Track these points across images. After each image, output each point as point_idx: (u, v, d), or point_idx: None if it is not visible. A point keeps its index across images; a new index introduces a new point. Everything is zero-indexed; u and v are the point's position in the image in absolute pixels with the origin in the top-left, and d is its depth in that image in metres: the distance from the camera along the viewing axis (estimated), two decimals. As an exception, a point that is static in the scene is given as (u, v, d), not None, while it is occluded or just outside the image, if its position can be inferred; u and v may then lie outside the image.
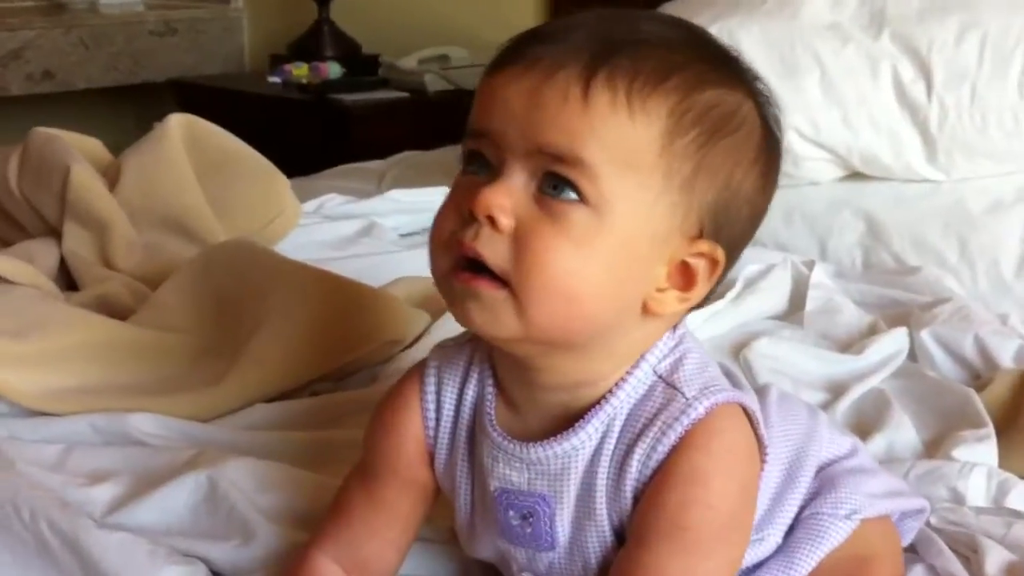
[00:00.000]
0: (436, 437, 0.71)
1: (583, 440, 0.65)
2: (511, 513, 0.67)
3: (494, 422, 0.67)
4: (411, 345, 1.10)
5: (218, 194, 1.34)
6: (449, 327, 1.14)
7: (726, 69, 0.65)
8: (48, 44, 2.96)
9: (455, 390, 0.70)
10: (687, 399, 0.64)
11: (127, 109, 3.39)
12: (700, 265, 0.64)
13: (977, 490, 0.88)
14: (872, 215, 1.42)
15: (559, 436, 0.65)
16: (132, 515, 0.83)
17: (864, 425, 1.02)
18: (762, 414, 0.69)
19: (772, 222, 1.45)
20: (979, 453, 0.94)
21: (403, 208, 1.60)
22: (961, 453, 0.94)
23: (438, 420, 0.71)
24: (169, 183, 1.32)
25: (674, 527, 0.62)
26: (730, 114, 0.64)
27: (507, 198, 0.60)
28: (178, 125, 1.36)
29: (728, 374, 0.70)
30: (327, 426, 0.98)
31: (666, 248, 0.63)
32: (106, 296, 1.17)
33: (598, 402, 0.65)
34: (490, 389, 0.68)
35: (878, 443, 0.97)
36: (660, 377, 0.65)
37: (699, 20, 1.05)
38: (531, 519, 0.66)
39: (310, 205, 1.55)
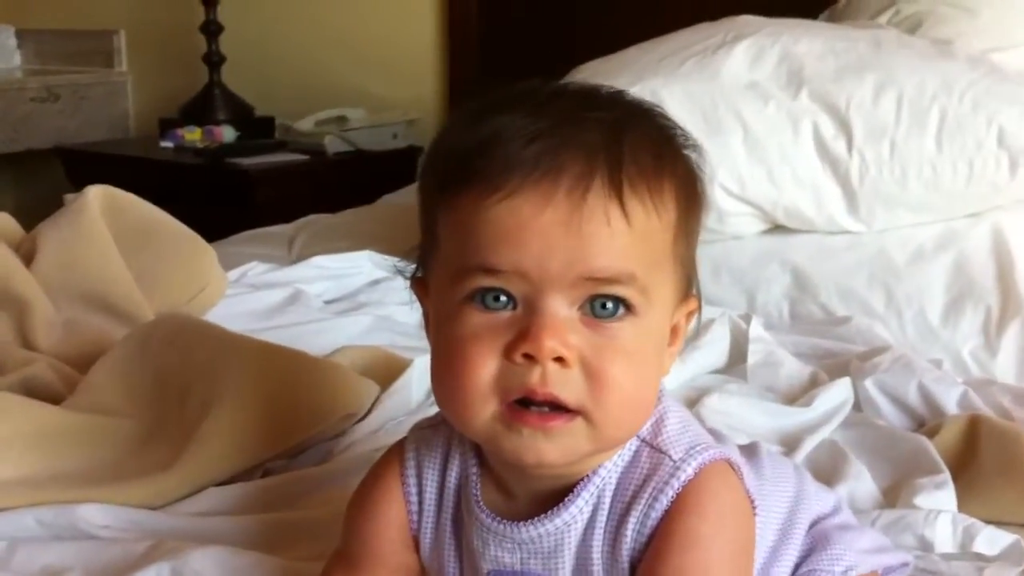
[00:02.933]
0: (420, 522, 0.70)
1: (574, 515, 0.64)
2: None
3: (481, 503, 0.66)
4: (363, 418, 1.07)
5: (142, 267, 1.29)
6: (397, 399, 1.12)
7: (679, 132, 0.65)
8: (-81, 114, 2.84)
9: (436, 474, 0.69)
10: (674, 461, 0.63)
11: (8, 177, 3.29)
12: (682, 319, 0.66)
13: (944, 537, 0.89)
14: (798, 267, 1.44)
15: (550, 513, 0.64)
16: (94, 615, 0.78)
17: (821, 477, 1.02)
18: (757, 469, 0.70)
19: (700, 277, 1.47)
20: (939, 500, 0.96)
21: (328, 275, 1.58)
22: (923, 501, 0.95)
23: (421, 505, 0.69)
24: (90, 257, 1.27)
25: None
26: (699, 179, 0.65)
27: (568, 335, 0.58)
28: (97, 196, 1.31)
29: (712, 431, 0.70)
30: (284, 507, 0.94)
31: (672, 319, 0.64)
32: (32, 379, 1.11)
33: (586, 475, 0.64)
34: (474, 470, 0.67)
35: (839, 493, 0.98)
36: (644, 441, 0.65)
37: (620, 81, 1.05)
38: None
39: (233, 274, 1.51)
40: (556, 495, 0.64)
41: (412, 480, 0.69)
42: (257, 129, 2.88)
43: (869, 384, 1.15)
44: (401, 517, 0.70)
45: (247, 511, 0.93)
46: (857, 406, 1.17)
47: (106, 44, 3.33)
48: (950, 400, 1.13)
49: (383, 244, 1.81)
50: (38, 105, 3.09)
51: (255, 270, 1.54)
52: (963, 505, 0.97)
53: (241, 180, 2.55)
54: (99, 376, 1.07)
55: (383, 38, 2.80)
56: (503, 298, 0.59)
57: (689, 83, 1.45)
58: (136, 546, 0.86)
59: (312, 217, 2.24)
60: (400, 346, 1.30)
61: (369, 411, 1.08)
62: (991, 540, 0.90)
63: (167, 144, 2.75)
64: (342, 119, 2.76)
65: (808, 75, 1.45)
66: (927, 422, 1.14)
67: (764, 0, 1.98)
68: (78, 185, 2.78)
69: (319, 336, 1.37)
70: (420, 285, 0.66)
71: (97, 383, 1.06)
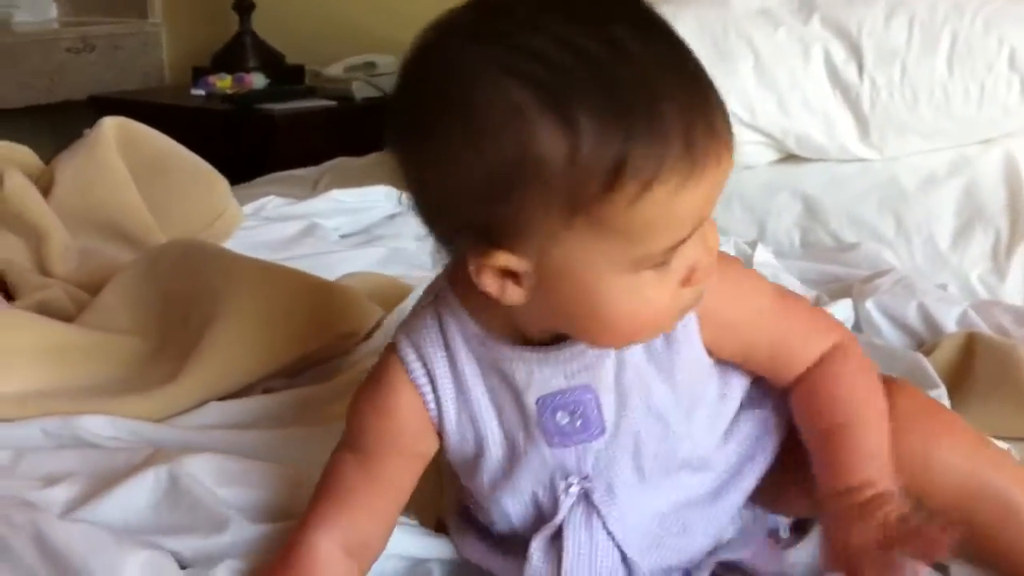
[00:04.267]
0: (440, 408, 0.72)
1: None
2: (559, 415, 0.70)
3: (514, 346, 0.69)
4: (365, 339, 1.09)
5: (156, 197, 1.32)
6: (399, 320, 1.14)
7: None
8: (-42, 64, 2.89)
9: (442, 355, 0.71)
10: None
11: (45, 128, 3.32)
12: None
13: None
14: (808, 196, 1.44)
15: None
16: (92, 514, 0.81)
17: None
18: None
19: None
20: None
21: (344, 208, 1.60)
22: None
23: (436, 391, 0.71)
24: (105, 187, 1.30)
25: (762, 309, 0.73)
26: None
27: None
28: (112, 128, 1.33)
29: None
30: (282, 424, 0.96)
31: None
32: (46, 303, 1.14)
33: None
34: (476, 328, 0.70)
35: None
36: None
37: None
38: (580, 411, 0.70)
39: (249, 208, 1.53)
40: None
41: (420, 372, 0.71)
42: (288, 76, 2.90)
43: (869, 305, 1.15)
44: (417, 409, 0.72)
45: (247, 425, 0.96)
46: (858, 327, 1.17)
47: (139, -6, 3.35)
48: (949, 319, 1.13)
49: (402, 185, 1.83)
50: (74, 56, 3.13)
51: (272, 203, 1.56)
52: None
53: (268, 126, 2.57)
54: (109, 297, 1.10)
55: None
56: None
57: (700, 8, 1.44)
58: (137, 454, 0.89)
59: (338, 160, 2.26)
60: (414, 277, 1.32)
61: (371, 333, 1.10)
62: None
63: (198, 92, 2.78)
64: (370, 65, 2.77)
65: (819, 0, 1.43)
66: (927, 342, 1.14)
67: None
68: (112, 133, 2.82)
69: (333, 267, 1.39)
70: (483, 260, 0.63)
71: (107, 303, 1.09)
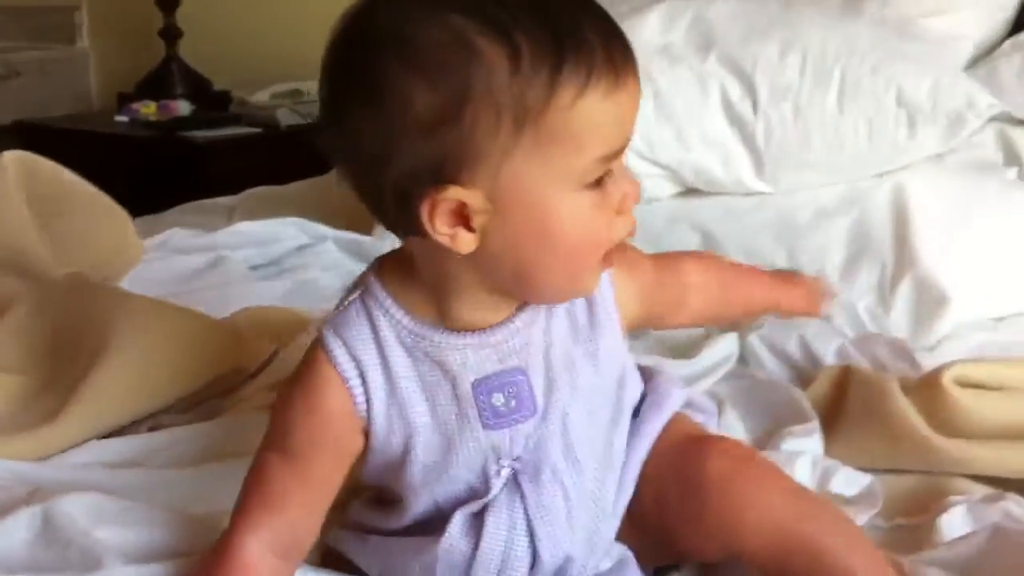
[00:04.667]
0: (369, 402, 0.73)
1: (532, 313, 0.75)
2: (494, 396, 0.73)
3: (449, 332, 0.73)
4: (255, 375, 1.10)
5: (56, 232, 1.32)
6: (294, 356, 1.15)
7: None
8: None
9: (372, 347, 0.73)
10: None
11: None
12: None
13: (803, 477, 0.92)
14: (706, 229, 1.47)
15: (513, 314, 0.74)
16: (-35, 553, 0.81)
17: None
18: None
19: (615, 240, 1.50)
20: (806, 445, 0.99)
21: (252, 241, 1.60)
22: (789, 446, 0.98)
23: (365, 384, 0.73)
24: (2, 222, 1.29)
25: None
26: None
27: None
28: (12, 163, 1.33)
29: None
30: (164, 461, 0.97)
31: None
32: (-64, 338, 1.14)
33: None
34: (408, 320, 0.73)
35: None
36: None
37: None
38: (513, 392, 0.74)
39: (155, 240, 1.54)
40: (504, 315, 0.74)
41: (349, 366, 0.73)
42: (214, 103, 2.90)
43: (753, 338, 1.18)
44: (345, 406, 0.73)
45: (128, 463, 0.96)
46: (744, 360, 1.20)
47: (67, 20, 3.34)
48: (828, 352, 1.16)
49: (323, 214, 1.84)
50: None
51: (178, 236, 1.56)
52: (830, 451, 1.00)
53: (192, 153, 2.58)
54: (-2, 334, 1.10)
55: (339, 12, 2.82)
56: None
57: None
58: (14, 493, 0.89)
59: (257, 189, 2.27)
60: (318, 309, 1.33)
61: (262, 368, 1.11)
62: (848, 481, 0.93)
63: (122, 118, 2.77)
64: (296, 92, 2.78)
65: (718, 37, 1.47)
66: (808, 374, 1.17)
67: None
68: (35, 160, 2.79)
69: (237, 300, 1.40)
70: (436, 198, 0.67)
71: (-4, 342, 1.09)
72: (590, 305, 0.77)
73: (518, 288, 0.72)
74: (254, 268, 1.58)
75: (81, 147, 2.75)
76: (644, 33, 1.50)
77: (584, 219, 0.68)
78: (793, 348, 1.17)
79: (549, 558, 0.76)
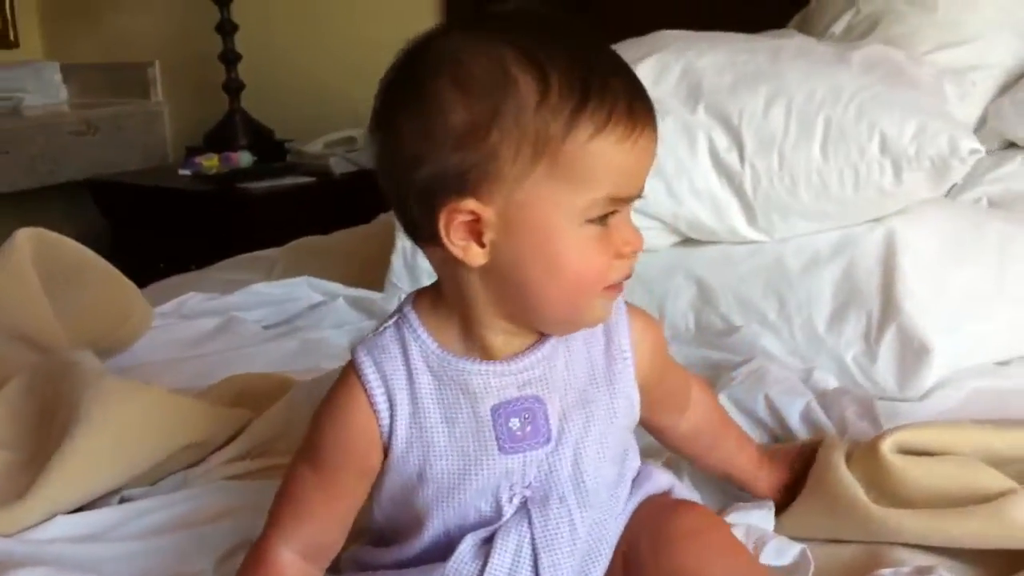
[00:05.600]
0: (392, 422, 0.79)
1: (554, 345, 0.81)
2: (512, 421, 0.79)
3: (471, 360, 0.79)
4: (226, 444, 1.15)
5: (66, 304, 1.39)
6: (267, 424, 1.19)
7: None
8: (-35, 152, 3.02)
9: (402, 370, 0.79)
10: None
11: (59, 207, 3.45)
12: None
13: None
14: (701, 278, 1.47)
15: (534, 345, 0.81)
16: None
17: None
18: None
19: (616, 290, 1.51)
20: (753, 518, 0.99)
21: (267, 301, 1.65)
22: (734, 518, 0.98)
23: (392, 406, 0.79)
24: (15, 297, 1.37)
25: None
26: None
27: None
28: (26, 240, 1.41)
29: None
30: (128, 534, 1.02)
31: None
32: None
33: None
34: (436, 347, 0.79)
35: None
36: None
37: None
38: (529, 418, 0.79)
39: (169, 306, 1.60)
40: (527, 344, 0.81)
41: (377, 385, 0.79)
42: (275, 153, 3.00)
43: (722, 398, 1.18)
44: (370, 425, 0.79)
45: (92, 537, 1.01)
46: (716, 418, 1.20)
47: (142, 75, 3.48)
48: (793, 412, 1.16)
49: (364, 263, 1.89)
50: (77, 138, 3.26)
51: (192, 300, 1.62)
52: (781, 525, 0.99)
53: (248, 204, 2.66)
54: (-8, 411, 1.16)
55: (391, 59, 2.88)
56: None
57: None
58: (-25, 569, 0.95)
59: (301, 240, 2.34)
60: (324, 367, 1.37)
61: (236, 436, 1.16)
62: (779, 550, 0.93)
63: (185, 172, 2.88)
64: (350, 140, 2.86)
65: (706, 89, 1.47)
66: (778, 434, 1.17)
67: (735, 6, 2.01)
68: (106, 213, 2.93)
69: (245, 361, 1.46)
70: (455, 207, 0.74)
71: (-12, 417, 1.16)
72: (608, 350, 0.84)
73: (523, 311, 0.78)
74: (268, 327, 1.63)
75: (147, 201, 2.87)
76: (635, 86, 1.50)
77: (584, 252, 0.75)
78: (760, 408, 1.17)
79: None
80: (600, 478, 0.82)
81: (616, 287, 0.79)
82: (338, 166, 2.74)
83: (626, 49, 1.58)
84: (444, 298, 0.80)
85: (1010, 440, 0.97)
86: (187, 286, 1.87)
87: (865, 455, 0.97)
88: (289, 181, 2.73)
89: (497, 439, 0.79)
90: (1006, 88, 1.85)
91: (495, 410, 0.79)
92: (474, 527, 0.80)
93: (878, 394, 1.30)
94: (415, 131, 0.74)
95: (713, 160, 1.44)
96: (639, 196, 0.78)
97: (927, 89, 1.48)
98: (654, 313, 1.49)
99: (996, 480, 0.91)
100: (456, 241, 0.74)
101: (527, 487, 0.80)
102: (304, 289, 1.68)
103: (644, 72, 1.52)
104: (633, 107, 0.74)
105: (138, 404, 1.08)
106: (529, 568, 0.80)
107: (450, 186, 0.73)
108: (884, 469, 0.94)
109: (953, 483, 0.92)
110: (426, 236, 0.76)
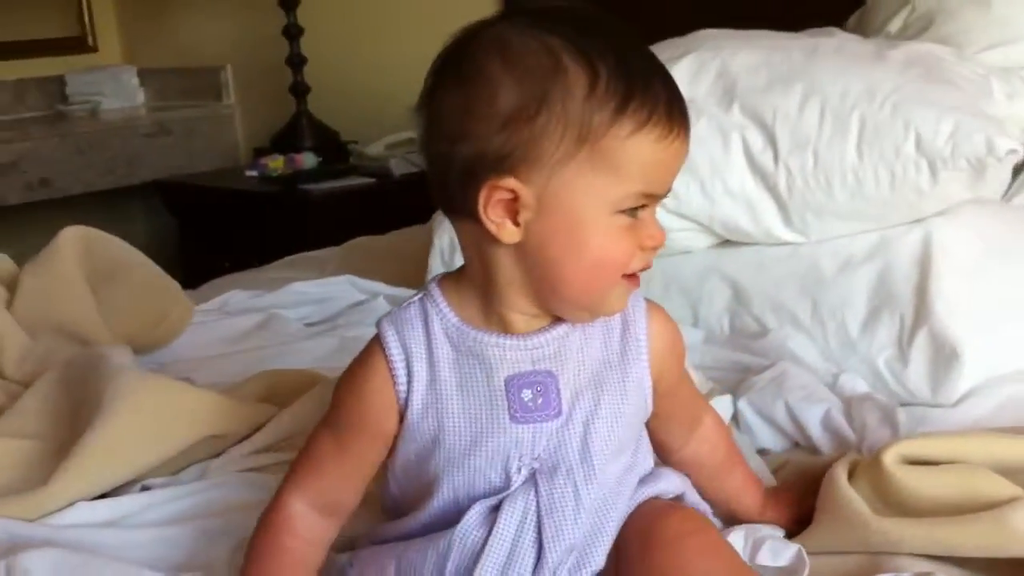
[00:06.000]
0: (409, 393, 0.83)
1: (567, 327, 0.84)
2: (524, 392, 0.82)
3: (490, 332, 0.83)
4: (248, 437, 1.17)
5: (109, 301, 1.43)
6: (291, 419, 1.21)
7: None
8: (46, 153, 3.11)
9: (422, 342, 0.83)
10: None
11: (139, 206, 3.53)
12: None
13: (737, 547, 0.92)
14: (736, 280, 1.45)
15: (551, 324, 0.84)
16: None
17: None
18: None
19: (653, 292, 1.51)
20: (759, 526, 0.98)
21: (307, 300, 1.68)
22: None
23: (410, 375, 0.83)
24: (61, 294, 1.42)
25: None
26: None
27: None
28: (72, 238, 1.45)
29: None
30: (148, 522, 1.05)
31: None
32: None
33: None
34: (455, 319, 0.83)
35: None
36: None
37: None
38: (542, 391, 0.82)
39: (213, 303, 1.63)
40: (544, 325, 0.84)
41: (398, 354, 0.83)
42: (340, 155, 3.04)
43: (742, 403, 1.17)
44: (388, 391, 0.83)
45: (110, 523, 1.04)
46: (737, 423, 1.19)
47: (215, 79, 3.56)
48: (813, 419, 1.14)
49: (415, 262, 1.90)
50: (150, 140, 3.34)
51: (235, 298, 1.66)
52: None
53: (306, 205, 2.70)
54: (28, 401, 1.21)
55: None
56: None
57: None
58: (-6, 549, 0.98)
59: (356, 240, 2.37)
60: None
61: (260, 429, 1.18)
62: (775, 551, 0.92)
63: (252, 173, 2.94)
64: (411, 141, 2.88)
65: (741, 89, 1.45)
66: (799, 441, 1.16)
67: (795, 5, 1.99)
68: (175, 213, 3.00)
69: (282, 359, 1.48)
70: (496, 184, 0.77)
71: (25, 407, 1.20)
72: (624, 337, 0.87)
73: (546, 291, 0.81)
74: (310, 325, 1.66)
75: (214, 201, 2.93)
76: (672, 86, 1.50)
77: (610, 238, 0.78)
78: (780, 414, 1.16)
79: (553, 556, 0.82)
80: (607, 456, 0.84)
81: (635, 277, 0.82)
82: (398, 167, 2.76)
83: (663, 49, 1.58)
84: (469, 276, 0.84)
85: (1019, 449, 0.94)
86: (241, 284, 1.91)
87: (869, 467, 0.95)
88: (350, 182, 2.77)
89: (509, 408, 0.82)
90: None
91: (509, 381, 0.82)
92: (483, 496, 0.83)
93: (911, 399, 1.28)
94: (462, 108, 0.76)
95: (748, 160, 1.43)
96: (667, 195, 0.82)
97: (971, 87, 1.45)
98: (689, 315, 1.49)
99: (1000, 487, 0.89)
100: (493, 218, 0.77)
101: (535, 459, 0.83)
102: (346, 288, 1.70)
103: (680, 72, 1.51)
104: (672, 110, 0.78)
105: (158, 396, 1.10)
106: (533, 535, 0.82)
107: (493, 164, 0.76)
108: (887, 480, 0.93)
109: (956, 491, 0.90)
110: (462, 211, 0.79)
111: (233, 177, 3.03)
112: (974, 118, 1.31)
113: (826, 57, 1.46)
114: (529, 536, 0.82)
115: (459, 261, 1.62)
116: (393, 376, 0.83)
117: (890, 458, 0.93)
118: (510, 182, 0.76)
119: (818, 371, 1.28)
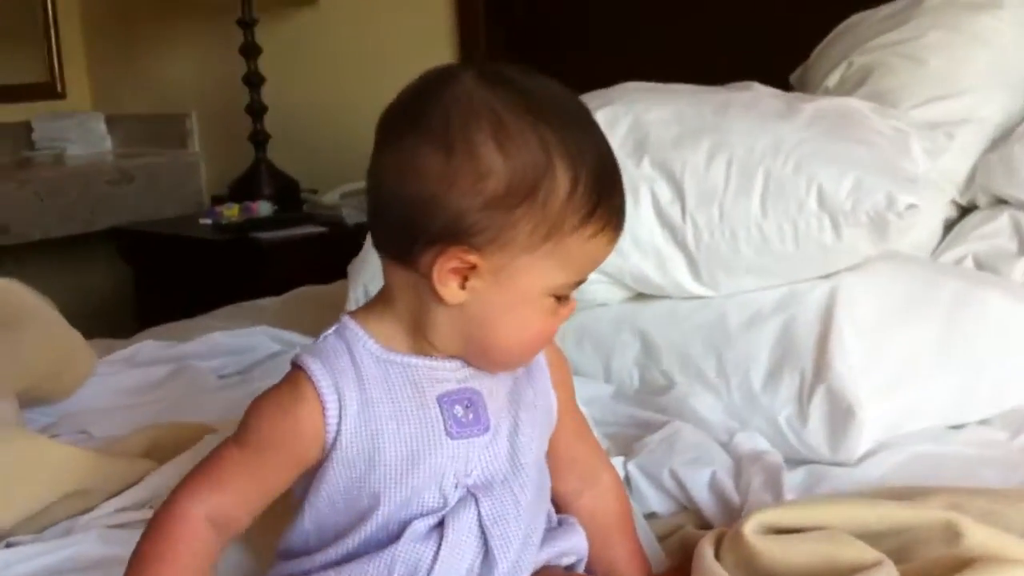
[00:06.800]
0: (341, 422, 0.82)
1: None
2: (456, 408, 0.85)
3: (417, 356, 0.86)
4: (118, 493, 1.14)
5: (6, 351, 1.41)
6: (163, 477, 1.18)
7: None
8: (3, 199, 3.11)
9: (351, 372, 0.83)
10: None
11: (101, 254, 3.52)
12: None
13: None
14: (647, 334, 1.43)
15: None
16: None
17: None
18: None
19: (567, 346, 1.49)
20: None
21: (223, 350, 1.66)
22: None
23: (340, 400, 0.82)
24: (-41, 342, 1.40)
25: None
26: None
27: None
28: (-31, 285, 1.44)
29: None
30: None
31: None
32: None
33: None
34: (377, 347, 0.84)
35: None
36: None
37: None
38: (471, 407, 0.85)
39: (123, 353, 1.61)
40: None
41: (327, 388, 0.82)
42: (298, 203, 3.03)
43: (631, 467, 1.15)
44: (316, 421, 0.82)
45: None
46: (629, 487, 1.16)
47: (180, 126, 3.56)
48: (699, 483, 1.11)
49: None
50: (113, 187, 3.33)
51: (147, 347, 1.63)
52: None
53: (257, 253, 2.69)
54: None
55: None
56: None
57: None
58: None
59: (302, 289, 2.35)
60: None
61: (134, 485, 1.15)
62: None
63: (206, 221, 2.93)
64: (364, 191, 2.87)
65: (652, 142, 1.44)
66: (686, 504, 1.13)
67: (738, 60, 1.99)
68: (130, 261, 2.99)
69: (189, 410, 1.46)
70: (459, 255, 0.80)
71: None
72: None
73: (472, 346, 0.84)
74: (224, 376, 1.64)
75: (166, 249, 2.92)
76: (585, 138, 1.48)
77: (544, 316, 0.84)
78: (667, 479, 1.13)
79: (504, 564, 0.84)
80: (532, 466, 0.88)
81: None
82: (351, 216, 2.76)
83: (589, 100, 1.57)
84: (394, 313, 0.85)
85: (882, 513, 0.91)
86: (174, 334, 1.89)
87: (732, 539, 0.92)
88: (302, 231, 2.76)
89: (445, 425, 0.84)
90: (997, 143, 1.79)
91: (440, 398, 0.84)
92: (417, 517, 0.83)
93: (811, 457, 1.25)
94: (441, 174, 0.78)
95: (657, 213, 1.41)
96: None
97: (885, 143, 1.43)
98: (601, 369, 1.46)
99: (863, 553, 0.86)
100: (442, 278, 0.80)
101: (468, 475, 0.84)
102: (262, 338, 1.68)
103: (595, 124, 1.50)
104: (621, 218, 0.85)
105: (18, 451, 1.08)
106: (479, 545, 0.84)
107: (461, 236, 0.79)
108: (748, 551, 0.90)
109: (819, 559, 0.87)
110: (406, 261, 0.81)
111: (187, 225, 3.02)
112: (876, 174, 1.30)
113: (736, 112, 1.45)
114: (476, 546, 0.84)
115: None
116: (324, 406, 0.82)
117: (750, 528, 0.90)
118: (473, 257, 0.79)
119: (718, 428, 1.26)
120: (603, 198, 0.81)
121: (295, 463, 0.84)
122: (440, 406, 0.84)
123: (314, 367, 0.83)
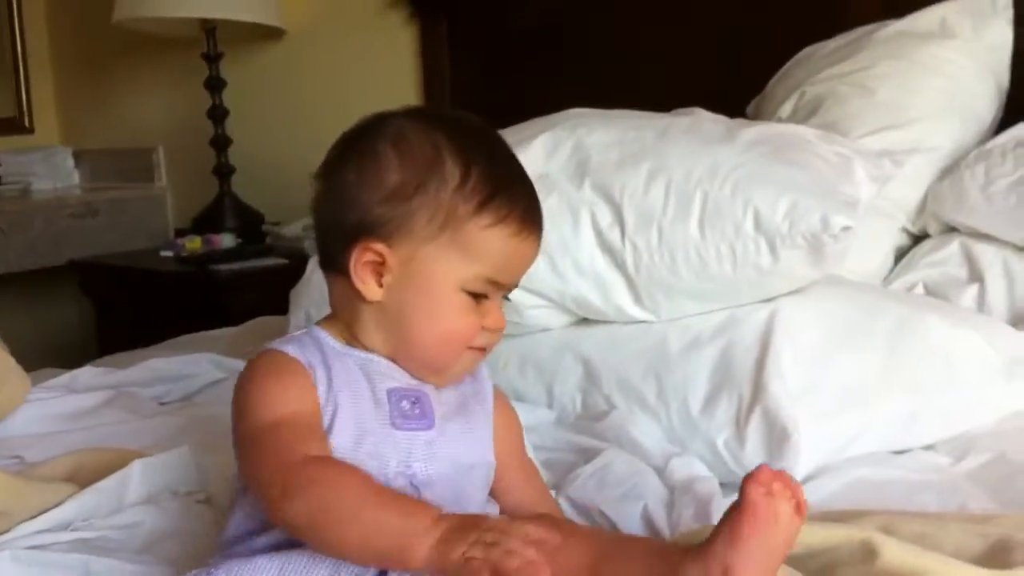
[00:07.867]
0: (330, 392, 0.89)
1: None
2: (403, 402, 0.91)
3: (373, 352, 0.93)
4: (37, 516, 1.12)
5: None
6: (93, 498, 1.16)
7: None
8: (-35, 233, 3.08)
9: (316, 352, 0.91)
10: None
11: (68, 289, 3.49)
12: None
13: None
14: (588, 358, 1.42)
15: None
16: None
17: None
18: None
19: (509, 371, 1.47)
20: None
21: (163, 377, 1.63)
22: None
23: (315, 380, 0.89)
24: None
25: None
26: None
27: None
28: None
29: None
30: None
31: None
32: None
33: None
34: (336, 343, 0.93)
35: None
36: None
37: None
38: (417, 403, 0.92)
39: (61, 379, 1.59)
40: None
41: (306, 362, 0.89)
42: (255, 236, 3.01)
43: (562, 500, 1.12)
44: (313, 394, 0.88)
45: None
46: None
47: (147, 160, 3.55)
48: (631, 518, 1.08)
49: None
50: (77, 220, 3.31)
51: (86, 374, 1.61)
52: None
53: (217, 285, 2.67)
54: None
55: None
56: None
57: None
58: None
59: (257, 320, 2.33)
60: (206, 443, 1.34)
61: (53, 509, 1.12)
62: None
63: (167, 253, 2.91)
64: (328, 222, 2.86)
65: (593, 165, 1.44)
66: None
67: (702, 92, 1.99)
68: (90, 294, 2.96)
69: (122, 437, 1.43)
70: (369, 246, 0.90)
71: None
72: (474, 384, 0.99)
73: (400, 348, 0.92)
74: (165, 404, 1.61)
75: (125, 282, 2.90)
76: (527, 162, 1.47)
77: (456, 312, 0.91)
78: (596, 515, 1.10)
79: None
80: (478, 478, 0.94)
81: (481, 348, 0.94)
82: (312, 248, 2.73)
83: (528, 127, 1.57)
84: (337, 317, 0.95)
85: (801, 536, 0.89)
86: (120, 363, 1.87)
87: None
88: (263, 262, 2.74)
89: (390, 415, 0.89)
90: (947, 172, 1.79)
91: (390, 392, 0.91)
92: None
93: (749, 482, 1.23)
94: (354, 181, 0.90)
95: (597, 236, 1.40)
96: (512, 288, 0.95)
97: (827, 168, 1.43)
98: (544, 394, 1.45)
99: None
100: (360, 276, 0.90)
101: (410, 468, 0.88)
102: (205, 365, 1.66)
103: (536, 147, 1.50)
104: (527, 213, 0.91)
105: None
106: None
107: (369, 228, 0.89)
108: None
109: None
110: (337, 267, 0.92)
111: (148, 258, 3.00)
112: (812, 196, 1.29)
113: (676, 136, 1.45)
114: None
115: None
116: (308, 368, 0.89)
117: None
118: (379, 246, 0.89)
119: (654, 454, 1.24)
120: (500, 189, 0.89)
121: (316, 411, 0.87)
122: (389, 398, 0.90)
123: (287, 348, 0.91)
